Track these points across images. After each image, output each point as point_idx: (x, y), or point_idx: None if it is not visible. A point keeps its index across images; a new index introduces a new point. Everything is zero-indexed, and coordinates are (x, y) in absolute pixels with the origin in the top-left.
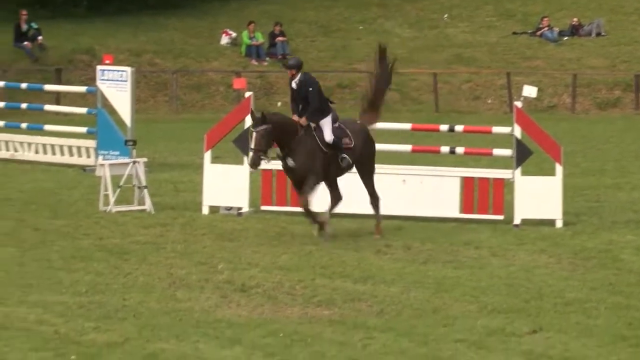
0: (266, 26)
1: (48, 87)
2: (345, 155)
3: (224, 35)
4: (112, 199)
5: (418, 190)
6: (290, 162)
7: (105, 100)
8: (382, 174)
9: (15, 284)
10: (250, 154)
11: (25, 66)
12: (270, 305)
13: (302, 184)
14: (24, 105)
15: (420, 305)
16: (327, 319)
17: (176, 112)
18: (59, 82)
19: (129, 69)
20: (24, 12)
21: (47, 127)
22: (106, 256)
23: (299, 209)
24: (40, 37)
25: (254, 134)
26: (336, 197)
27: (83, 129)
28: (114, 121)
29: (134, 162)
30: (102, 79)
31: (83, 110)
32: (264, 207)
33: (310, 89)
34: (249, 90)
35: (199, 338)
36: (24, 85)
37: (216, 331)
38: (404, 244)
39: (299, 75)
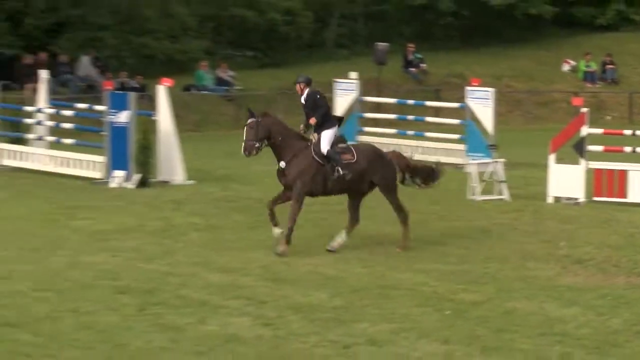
0: (599, 56)
1: (429, 103)
2: (339, 168)
3: (565, 63)
4: (478, 190)
5: None
6: (282, 163)
7: (472, 114)
8: None
9: (403, 255)
10: (242, 144)
11: (411, 87)
12: (601, 275)
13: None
14: (410, 117)
15: None
16: None
17: (527, 124)
18: (438, 100)
19: (491, 90)
20: (411, 45)
21: (428, 134)
22: (472, 234)
23: (624, 200)
24: (423, 65)
25: (245, 127)
26: (354, 219)
27: (456, 136)
28: (480, 130)
29: (495, 162)
30: (471, 97)
31: (456, 121)
32: (596, 198)
33: (318, 96)
34: (585, 107)
35: (544, 299)
36: (410, 102)
37: (558, 294)
38: None
39: (307, 90)
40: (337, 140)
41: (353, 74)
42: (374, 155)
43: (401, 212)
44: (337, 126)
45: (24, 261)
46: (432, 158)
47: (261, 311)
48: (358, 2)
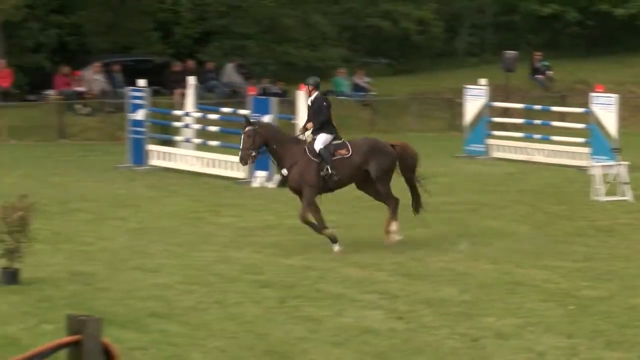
0: None
1: (554, 108)
2: (328, 167)
3: None
4: (602, 192)
5: None
6: (284, 171)
7: (596, 118)
8: None
9: (529, 252)
10: (240, 152)
11: (538, 93)
12: None
13: (298, 193)
14: (537, 122)
15: None
16: None
17: None
18: (563, 105)
19: (614, 96)
20: (538, 54)
21: (554, 138)
22: (596, 233)
23: None
24: (549, 72)
25: (242, 136)
26: (391, 203)
27: (581, 140)
28: (604, 134)
29: (619, 164)
30: (595, 103)
31: (581, 126)
32: None
33: (325, 103)
34: None
35: None
36: (537, 107)
37: None
38: None
39: (315, 94)
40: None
41: (482, 81)
42: (370, 147)
43: (390, 201)
44: (334, 134)
45: (172, 256)
46: (558, 160)
47: (394, 305)
48: (487, 12)
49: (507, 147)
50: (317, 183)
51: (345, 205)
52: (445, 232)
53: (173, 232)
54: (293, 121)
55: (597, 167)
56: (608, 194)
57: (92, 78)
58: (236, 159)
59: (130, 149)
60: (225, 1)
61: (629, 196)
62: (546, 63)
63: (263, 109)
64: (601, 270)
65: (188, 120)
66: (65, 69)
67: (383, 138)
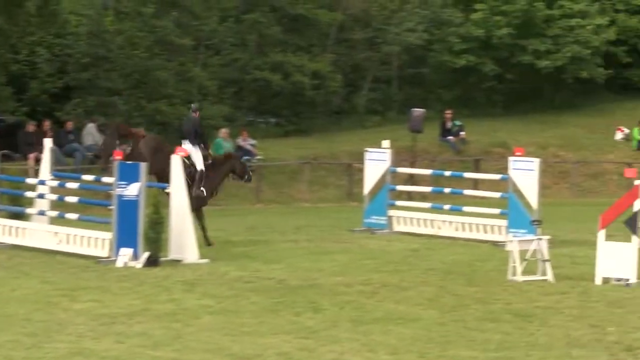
0: None
1: (467, 174)
2: None
3: (618, 131)
4: (519, 270)
5: None
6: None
7: (515, 186)
8: None
9: (435, 341)
10: None
11: (449, 157)
12: None
13: None
14: (447, 190)
15: None
16: None
17: (575, 197)
18: (477, 171)
19: (536, 160)
20: (449, 112)
21: (466, 209)
22: (512, 318)
23: None
24: (462, 133)
25: None
26: None
27: (496, 210)
28: (523, 204)
29: (539, 239)
30: (514, 168)
31: (497, 194)
32: None
33: None
34: (639, 179)
35: None
36: (447, 173)
37: None
38: None
39: None
40: None
41: (385, 143)
42: None
43: None
44: None
45: (21, 348)
46: (469, 234)
47: None
48: (392, 64)
49: (412, 219)
50: None
51: (223, 287)
52: (338, 318)
53: (22, 320)
54: (166, 190)
55: (515, 242)
56: (526, 273)
57: None
58: (98, 234)
59: None
60: (89, 52)
61: (549, 275)
62: (458, 123)
63: (131, 176)
64: None
65: (43, 189)
66: None
67: (270, 208)
